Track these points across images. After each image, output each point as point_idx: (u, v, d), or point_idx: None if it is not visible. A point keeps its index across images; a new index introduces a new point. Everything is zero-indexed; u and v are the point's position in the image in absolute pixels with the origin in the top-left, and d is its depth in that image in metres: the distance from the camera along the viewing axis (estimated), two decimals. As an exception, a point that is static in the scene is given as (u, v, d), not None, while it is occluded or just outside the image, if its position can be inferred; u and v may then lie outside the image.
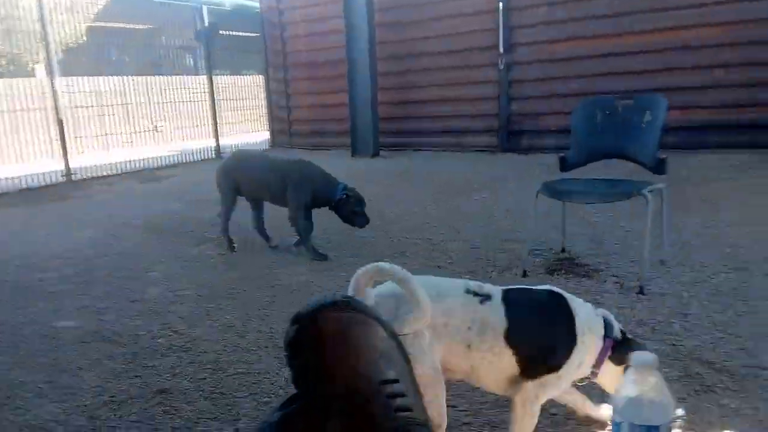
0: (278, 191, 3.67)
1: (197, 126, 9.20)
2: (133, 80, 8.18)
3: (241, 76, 10.31)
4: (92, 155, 7.79)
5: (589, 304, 1.58)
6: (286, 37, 9.60)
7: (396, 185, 5.94)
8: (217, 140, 9.40)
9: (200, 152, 9.12)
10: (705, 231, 3.77)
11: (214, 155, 9.33)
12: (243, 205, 3.92)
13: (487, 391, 1.58)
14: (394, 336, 0.96)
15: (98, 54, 7.90)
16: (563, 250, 3.52)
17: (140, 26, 8.37)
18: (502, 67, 7.41)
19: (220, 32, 9.88)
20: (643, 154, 3.02)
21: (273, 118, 10.22)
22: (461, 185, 5.75)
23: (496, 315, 1.44)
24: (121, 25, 8.09)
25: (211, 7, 9.53)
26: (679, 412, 1.83)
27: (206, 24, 9.03)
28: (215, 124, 9.40)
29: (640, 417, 1.10)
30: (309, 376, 0.90)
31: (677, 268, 3.11)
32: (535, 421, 1.52)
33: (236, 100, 9.92)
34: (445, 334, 1.41)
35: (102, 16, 8.50)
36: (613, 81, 6.86)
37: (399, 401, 0.89)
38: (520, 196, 5.08)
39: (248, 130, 10.12)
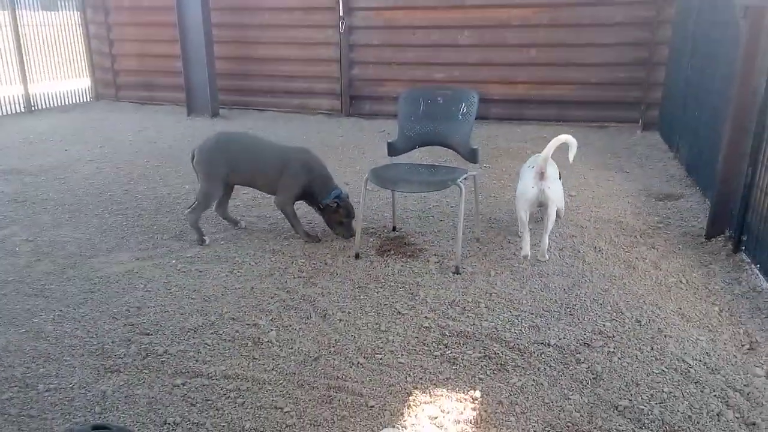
0: (275, 177, 3.47)
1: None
2: None
3: (56, 12, 8.99)
4: None
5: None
6: (105, -26, 8.53)
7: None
8: (26, 89, 8.22)
9: (5, 104, 7.90)
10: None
11: (23, 108, 8.16)
12: (42, 180, 3.54)
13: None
14: None
15: None
16: (394, 229, 3.73)
17: None
18: (342, 30, 7.36)
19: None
20: (459, 144, 3.27)
21: (94, 66, 9.16)
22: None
23: (553, 166, 3.33)
24: None
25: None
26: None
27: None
28: (23, 69, 8.18)
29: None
30: None
31: (489, 245, 3.46)
32: None
33: (49, 41, 8.68)
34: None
35: None
36: (445, 52, 7.18)
37: None
38: (361, 165, 5.21)
39: (65, 77, 8.94)
